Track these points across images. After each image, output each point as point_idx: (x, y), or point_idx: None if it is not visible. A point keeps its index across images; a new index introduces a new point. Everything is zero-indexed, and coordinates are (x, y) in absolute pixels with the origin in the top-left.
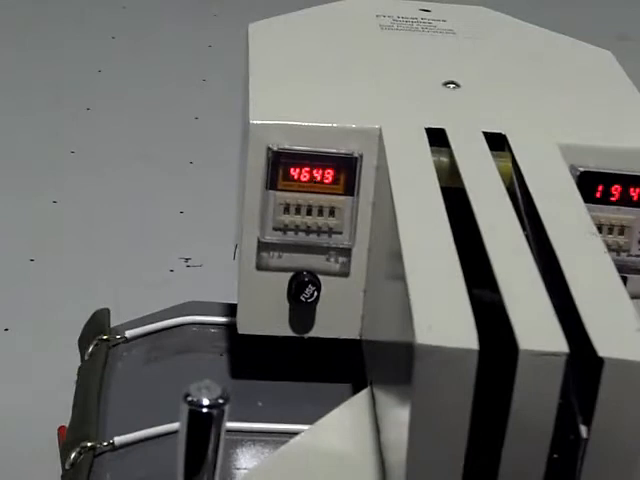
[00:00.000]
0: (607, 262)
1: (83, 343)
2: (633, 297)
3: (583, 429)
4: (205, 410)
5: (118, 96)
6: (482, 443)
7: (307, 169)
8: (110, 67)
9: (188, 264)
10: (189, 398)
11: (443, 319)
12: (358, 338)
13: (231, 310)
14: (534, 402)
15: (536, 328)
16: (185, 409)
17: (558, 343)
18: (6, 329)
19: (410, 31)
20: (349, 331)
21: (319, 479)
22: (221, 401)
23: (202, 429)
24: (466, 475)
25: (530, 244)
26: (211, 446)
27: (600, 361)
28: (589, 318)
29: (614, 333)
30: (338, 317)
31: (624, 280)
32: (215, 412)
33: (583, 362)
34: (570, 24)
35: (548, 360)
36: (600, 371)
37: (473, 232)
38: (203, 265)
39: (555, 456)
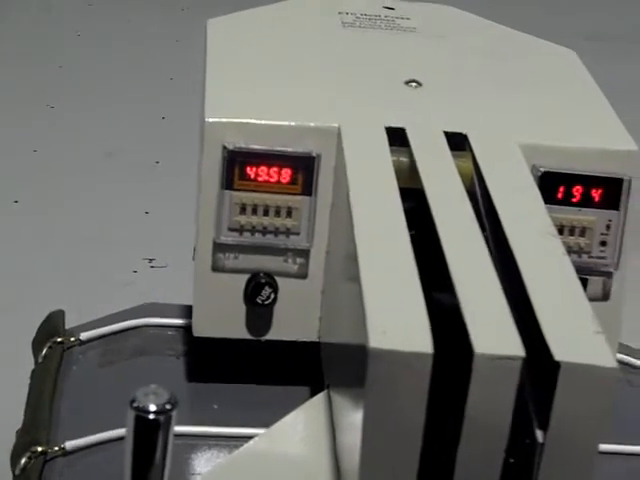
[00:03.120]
0: (566, 264)
1: (37, 345)
2: (593, 299)
3: (539, 433)
4: (152, 416)
5: (82, 93)
6: (437, 447)
7: (264, 168)
8: (74, 64)
9: (152, 264)
10: (135, 404)
11: (397, 323)
12: (316, 340)
13: (189, 312)
14: (489, 406)
15: (492, 332)
16: (131, 415)
17: (514, 347)
18: None
19: (373, 29)
20: (307, 333)
21: None
22: (168, 407)
23: (149, 435)
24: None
25: (489, 246)
26: (158, 452)
27: (556, 365)
28: (546, 321)
29: (571, 337)
30: (296, 319)
31: (585, 282)
32: (162, 418)
33: (539, 366)
34: (538, 23)
35: (504, 364)
36: (556, 375)
37: (431, 234)
38: (167, 266)
39: (511, 460)
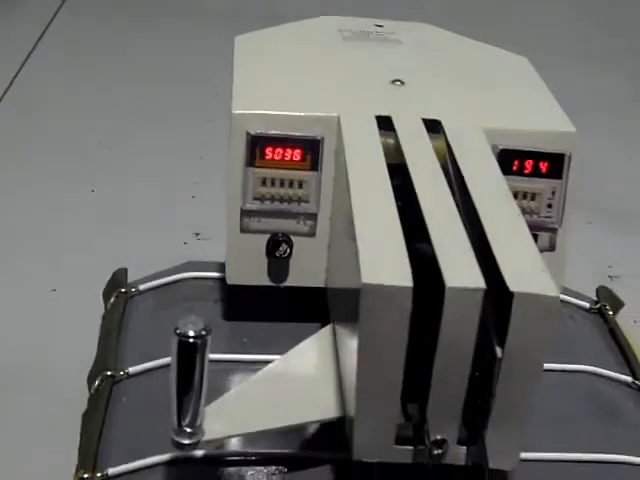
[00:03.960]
0: (520, 220)
1: (106, 295)
2: (543, 250)
3: (498, 350)
4: (191, 340)
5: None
6: (417, 365)
7: (279, 150)
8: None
9: (198, 237)
10: (178, 331)
11: (384, 265)
12: (323, 286)
13: (223, 267)
14: (458, 329)
15: (459, 270)
16: (175, 340)
17: (477, 281)
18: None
19: (366, 41)
20: (316, 281)
21: (285, 399)
22: (204, 332)
23: (189, 355)
24: (404, 391)
25: (458, 207)
26: (197, 371)
27: (511, 295)
28: (503, 262)
29: (522, 273)
30: (307, 269)
31: (535, 237)
32: (199, 342)
33: (498, 296)
34: (501, 38)
35: (469, 295)
36: (511, 303)
37: (412, 198)
38: (210, 239)
39: (477, 374)
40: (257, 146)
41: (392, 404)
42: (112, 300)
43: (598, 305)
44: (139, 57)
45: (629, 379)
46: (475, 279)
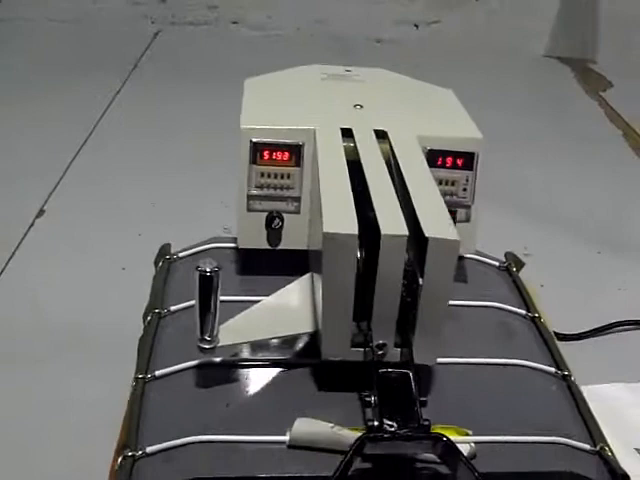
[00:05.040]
0: (436, 193)
1: (156, 261)
2: (460, 221)
3: (420, 280)
4: (208, 274)
5: None
6: (364, 292)
7: (273, 152)
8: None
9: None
10: (198, 268)
11: (339, 221)
12: (306, 248)
13: (236, 240)
14: (391, 265)
15: (391, 222)
16: (196, 275)
17: (403, 230)
18: (124, 268)
19: (338, 80)
20: (301, 245)
21: (277, 319)
22: (216, 269)
23: (206, 285)
24: (356, 311)
25: (395, 185)
26: (212, 296)
27: (426, 240)
28: (422, 217)
29: (435, 225)
30: (294, 237)
31: (455, 212)
32: (214, 275)
33: (418, 240)
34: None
35: (397, 239)
36: (426, 245)
37: (363, 181)
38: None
39: (408, 299)
40: (257, 150)
41: (347, 319)
42: (160, 265)
43: (505, 264)
44: None
45: (523, 312)
46: (402, 228)
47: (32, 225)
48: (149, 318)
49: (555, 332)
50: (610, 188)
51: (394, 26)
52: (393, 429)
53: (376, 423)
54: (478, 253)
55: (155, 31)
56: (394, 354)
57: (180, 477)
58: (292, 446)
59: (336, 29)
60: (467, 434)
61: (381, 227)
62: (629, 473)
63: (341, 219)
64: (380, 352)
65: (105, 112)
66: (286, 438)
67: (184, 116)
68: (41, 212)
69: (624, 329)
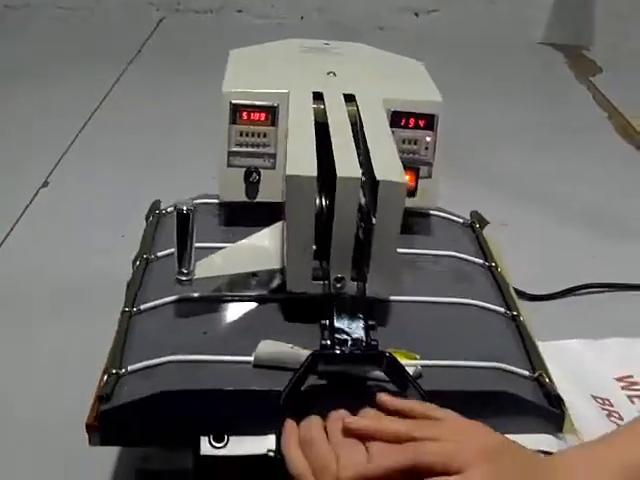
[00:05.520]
0: (392, 146)
1: (147, 215)
2: (423, 177)
3: (373, 219)
4: (184, 212)
5: None
6: (323, 231)
7: (251, 113)
8: None
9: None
10: (177, 207)
11: (301, 165)
12: (280, 201)
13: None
14: (346, 205)
15: (347, 167)
16: (175, 213)
17: (357, 172)
18: (123, 235)
19: (316, 53)
20: (276, 197)
21: (249, 256)
22: (192, 208)
23: (183, 222)
24: (317, 248)
25: (356, 139)
26: (189, 232)
27: (377, 182)
28: (376, 163)
29: (386, 170)
30: (270, 190)
31: (417, 169)
32: (190, 213)
33: (370, 183)
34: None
35: (351, 181)
36: (377, 187)
37: (327, 135)
38: None
39: (361, 235)
40: (237, 111)
41: (308, 254)
42: (151, 218)
43: (470, 222)
44: None
45: (481, 261)
46: (356, 172)
47: (36, 194)
48: (137, 263)
49: (527, 293)
50: (594, 165)
51: (395, 14)
52: (344, 349)
53: (328, 342)
54: (444, 211)
55: (160, 18)
56: (351, 287)
57: (151, 391)
58: (257, 365)
59: (339, 17)
60: (415, 358)
61: (337, 171)
62: (584, 415)
63: (302, 164)
64: (338, 285)
65: (107, 94)
66: (251, 359)
67: (186, 99)
68: (45, 183)
69: (594, 291)
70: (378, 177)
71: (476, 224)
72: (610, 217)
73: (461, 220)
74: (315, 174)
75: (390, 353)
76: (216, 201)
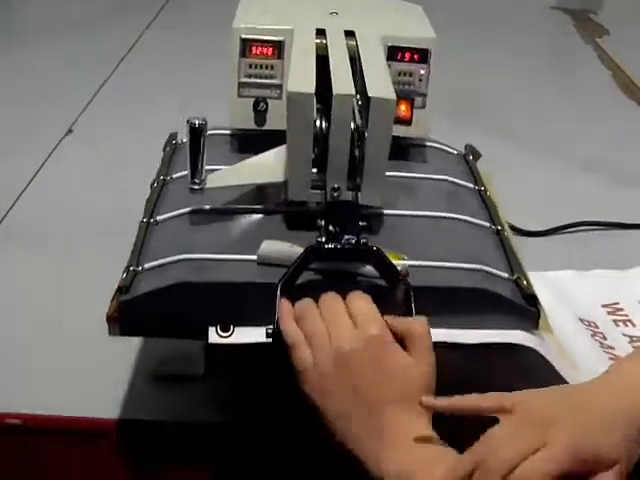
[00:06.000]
0: (385, 72)
1: (164, 147)
2: (418, 108)
3: (366, 133)
4: (196, 125)
5: None
6: (320, 144)
7: (259, 47)
8: None
9: None
10: (190, 121)
11: (301, 84)
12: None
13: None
14: (342, 119)
15: (342, 85)
16: (188, 127)
17: (351, 90)
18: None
19: None
20: (282, 125)
21: (256, 171)
22: (203, 122)
23: (195, 135)
24: (315, 161)
25: (353, 67)
26: (201, 144)
27: (369, 98)
28: (369, 82)
29: (378, 88)
30: (277, 119)
31: (412, 100)
32: (202, 126)
33: (364, 99)
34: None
35: (346, 98)
36: (369, 103)
37: (327, 64)
38: None
39: (355, 149)
40: (246, 45)
41: (308, 165)
42: (167, 148)
43: (464, 153)
44: None
45: (472, 185)
46: (350, 89)
47: (60, 141)
48: (155, 184)
49: (521, 229)
50: (597, 119)
51: None
52: (337, 245)
53: (323, 239)
54: (440, 142)
55: None
56: (346, 196)
57: (165, 283)
58: (260, 263)
59: None
60: (403, 259)
61: (334, 88)
62: (571, 335)
63: (302, 82)
64: (335, 194)
65: (131, 49)
66: (255, 257)
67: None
68: (69, 131)
69: (586, 229)
70: (370, 94)
71: (469, 156)
72: (611, 166)
73: (454, 151)
74: (313, 91)
75: (379, 248)
76: (228, 132)
